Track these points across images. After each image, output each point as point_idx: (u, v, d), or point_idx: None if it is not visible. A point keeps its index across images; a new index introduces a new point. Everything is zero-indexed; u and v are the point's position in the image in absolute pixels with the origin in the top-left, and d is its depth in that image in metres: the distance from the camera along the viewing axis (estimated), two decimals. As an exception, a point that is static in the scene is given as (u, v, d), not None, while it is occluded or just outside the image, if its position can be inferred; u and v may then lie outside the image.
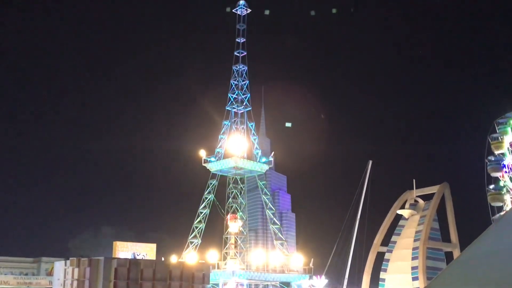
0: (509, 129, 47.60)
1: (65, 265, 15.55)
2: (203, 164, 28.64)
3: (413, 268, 35.48)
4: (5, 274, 56.73)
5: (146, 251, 44.82)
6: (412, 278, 35.29)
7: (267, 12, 46.06)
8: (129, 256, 37.74)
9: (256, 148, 29.73)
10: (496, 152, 47.52)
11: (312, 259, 31.24)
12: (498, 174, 46.54)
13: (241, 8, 32.77)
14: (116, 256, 33.57)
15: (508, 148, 47.26)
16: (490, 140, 48.12)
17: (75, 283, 14.87)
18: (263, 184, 29.62)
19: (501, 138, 47.58)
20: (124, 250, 44.09)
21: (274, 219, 29.22)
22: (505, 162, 46.60)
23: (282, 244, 28.53)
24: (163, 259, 25.09)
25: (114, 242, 45.93)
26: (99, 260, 14.48)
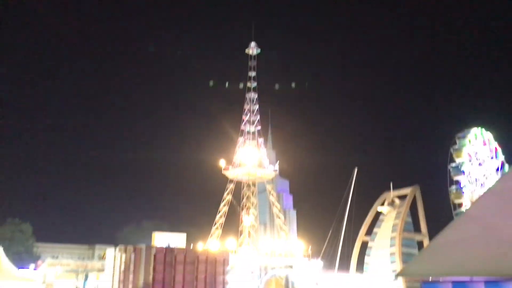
0: (467, 141, 47.21)
1: (115, 251, 15.58)
2: (223, 172, 28.70)
3: (391, 254, 35.12)
4: (66, 258, 56.64)
5: (178, 239, 44.82)
6: (391, 262, 34.92)
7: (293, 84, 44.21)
8: (165, 245, 37.73)
9: (265, 158, 29.68)
10: (457, 160, 47.05)
11: (310, 247, 30.99)
12: (459, 178, 46.11)
13: (252, 48, 32.96)
14: (154, 244, 33.56)
15: (466, 157, 46.79)
16: (452, 151, 47.71)
17: (123, 266, 14.90)
18: (270, 187, 29.56)
19: (460, 149, 47.26)
20: (161, 239, 44.08)
21: (279, 214, 29.11)
22: (464, 169, 46.19)
23: (286, 235, 28.33)
24: (191, 246, 25.04)
25: (153, 233, 45.97)
26: (142, 248, 14.53)
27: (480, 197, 7.22)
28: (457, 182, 46.20)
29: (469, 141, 46.92)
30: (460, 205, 45.86)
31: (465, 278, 6.25)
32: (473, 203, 6.25)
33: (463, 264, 6.33)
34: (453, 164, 46.72)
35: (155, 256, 14.01)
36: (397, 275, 7.49)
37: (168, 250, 14.54)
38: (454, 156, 47.05)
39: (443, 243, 6.80)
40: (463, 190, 45.04)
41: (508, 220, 6.08)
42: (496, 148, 47.47)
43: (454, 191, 46.10)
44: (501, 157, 46.92)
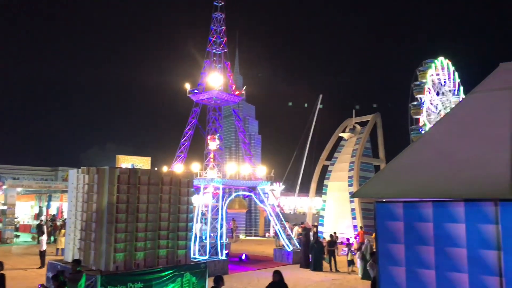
0: (433, 66, 47.97)
1: (78, 172, 15.47)
2: (188, 95, 28.22)
3: (349, 177, 36.63)
4: (28, 180, 56.27)
5: (142, 163, 45.04)
6: (348, 184, 36.54)
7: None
8: (129, 167, 37.91)
9: (231, 82, 29.26)
10: (417, 96, 48.06)
11: (273, 170, 31.81)
12: (418, 116, 47.53)
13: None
14: (119, 166, 33.62)
15: (430, 79, 47.74)
16: (417, 72, 48.63)
17: (86, 187, 14.89)
18: (236, 112, 29.53)
19: (425, 71, 48.00)
20: (125, 162, 44.17)
21: (245, 139, 29.37)
22: (426, 87, 47.29)
23: (250, 159, 28.88)
24: (156, 169, 25.18)
25: (117, 156, 45.91)
26: (105, 168, 14.44)
27: (436, 123, 7.45)
28: (418, 100, 47.74)
29: (431, 74, 47.82)
30: (417, 120, 47.68)
31: (416, 199, 6.59)
32: (429, 130, 6.51)
33: (414, 187, 6.64)
34: (417, 82, 47.92)
35: (119, 177, 13.99)
36: (352, 196, 7.85)
37: (132, 171, 14.54)
38: (414, 93, 48.12)
39: (397, 166, 7.06)
40: (422, 106, 46.79)
41: (461, 145, 6.33)
42: (458, 84, 48.72)
43: (413, 106, 47.65)
44: (462, 94, 48.30)
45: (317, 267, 21.93)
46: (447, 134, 6.75)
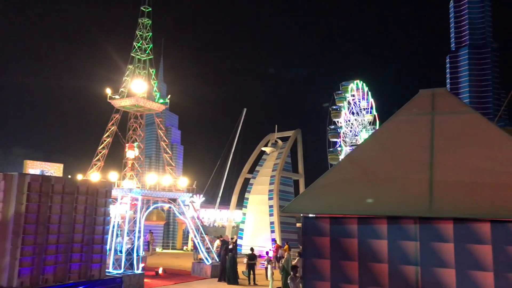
0: (349, 89, 50.73)
1: (-20, 178, 13.98)
2: (108, 100, 27.01)
3: (270, 190, 37.27)
4: None
5: (53, 169, 42.06)
6: (269, 197, 37.15)
7: None
8: (39, 173, 35.21)
9: (155, 90, 28.56)
10: (335, 120, 50.56)
11: (195, 182, 31.41)
12: (337, 119, 50.03)
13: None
14: (28, 173, 31.06)
15: (346, 102, 50.43)
16: (334, 95, 51.14)
17: (-11, 194, 13.50)
18: (159, 120, 28.81)
19: (342, 95, 50.61)
20: (34, 168, 40.95)
21: (167, 149, 28.70)
22: (343, 111, 49.92)
23: (172, 169, 28.25)
24: (69, 176, 23.65)
25: (25, 161, 42.40)
26: (13, 175, 13.23)
27: (361, 144, 7.81)
28: (335, 123, 50.19)
29: (351, 89, 50.67)
30: (334, 144, 50.18)
31: (342, 215, 6.78)
32: (354, 149, 6.85)
33: (341, 203, 6.83)
34: (334, 107, 50.46)
35: (29, 184, 12.88)
36: (283, 210, 7.94)
37: (45, 179, 13.48)
38: (332, 116, 50.62)
39: (325, 183, 7.26)
40: (339, 130, 49.32)
41: (384, 165, 6.65)
42: (371, 103, 52.00)
43: (331, 130, 50.13)
44: (374, 112, 51.59)
45: (232, 280, 21.90)
46: (371, 154, 7.10)
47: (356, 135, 50.57)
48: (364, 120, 51.62)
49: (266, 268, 22.21)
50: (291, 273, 13.18)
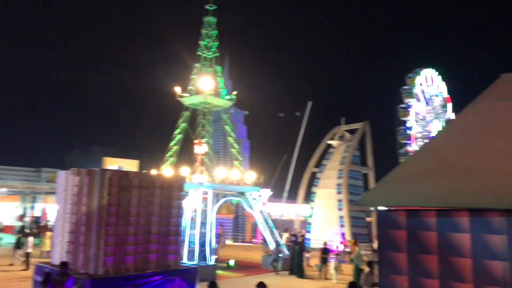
0: (417, 82, 48.61)
1: (67, 173, 15.17)
2: (178, 99, 28.05)
3: (338, 184, 36.75)
4: (12, 181, 55.08)
5: (130, 165, 44.42)
6: (337, 191, 36.66)
7: None
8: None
9: (222, 87, 29.20)
10: (406, 100, 48.67)
11: (262, 176, 31.69)
12: (406, 118, 48.12)
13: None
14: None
15: (415, 97, 48.37)
16: (402, 91, 49.25)
17: (75, 188, 14.60)
18: (226, 116, 29.46)
19: (410, 90, 48.73)
20: (112, 164, 43.53)
21: (234, 144, 29.29)
22: (412, 110, 47.92)
23: (239, 163, 28.78)
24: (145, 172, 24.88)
25: (103, 158, 45.22)
26: (96, 170, 14.18)
27: (439, 132, 7.45)
28: (404, 123, 48.31)
29: (420, 82, 48.45)
30: (405, 144, 48.41)
31: (419, 208, 6.55)
32: (432, 139, 6.52)
33: (418, 195, 6.60)
34: (405, 87, 48.64)
35: (109, 179, 13.75)
36: (356, 203, 7.84)
37: (124, 174, 14.31)
38: (403, 96, 48.69)
39: (401, 174, 7.03)
40: (410, 131, 47.29)
41: (465, 155, 6.32)
42: (443, 87, 49.41)
43: (400, 131, 48.43)
44: (446, 95, 48.97)
45: (297, 274, 21.94)
46: (451, 143, 6.76)
47: (428, 126, 48.22)
48: (436, 107, 49.10)
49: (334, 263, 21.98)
50: (364, 268, 12.91)
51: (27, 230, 27.17)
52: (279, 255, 23.93)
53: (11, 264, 22.75)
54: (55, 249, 15.22)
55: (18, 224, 40.69)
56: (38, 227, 34.74)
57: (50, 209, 40.73)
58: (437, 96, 49.32)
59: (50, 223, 31.80)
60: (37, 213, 46.06)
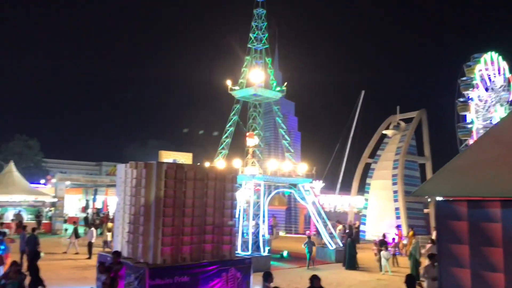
0: (482, 60, 45.60)
1: (126, 167, 15.81)
2: (229, 92, 28.34)
3: (393, 175, 35.77)
4: (75, 174, 58.21)
5: (184, 158, 45.66)
6: (392, 182, 35.70)
7: None
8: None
9: (272, 79, 29.17)
10: (464, 93, 45.89)
11: (314, 167, 31.49)
12: (466, 113, 45.42)
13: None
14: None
15: (478, 74, 45.31)
16: (459, 83, 46.51)
17: (134, 181, 15.19)
18: (276, 108, 29.40)
19: (473, 67, 45.53)
20: (167, 157, 44.93)
21: (285, 135, 29.22)
22: (474, 83, 44.86)
23: (290, 155, 28.73)
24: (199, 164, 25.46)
25: (159, 151, 46.78)
26: (153, 163, 14.68)
27: (502, 119, 7.04)
28: (464, 117, 45.60)
29: (479, 69, 45.45)
30: (463, 118, 45.45)
31: (482, 198, 6.27)
32: (495, 125, 6.12)
33: (480, 184, 6.30)
34: (464, 78, 45.72)
35: (166, 171, 14.19)
36: (413, 194, 7.56)
37: (179, 166, 14.72)
38: (461, 88, 45.97)
39: (461, 164, 6.73)
40: (471, 125, 44.45)
41: (533, 142, 5.95)
42: (509, 79, 46.24)
43: (460, 103, 45.49)
44: (509, 75, 45.73)
45: (349, 266, 21.67)
46: (517, 129, 6.38)
47: (490, 113, 45.34)
48: (497, 90, 46.02)
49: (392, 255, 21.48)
50: (425, 260, 12.50)
51: (92, 221, 28.71)
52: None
53: (76, 253, 24.17)
54: (116, 239, 15.97)
55: (81, 215, 43.05)
56: (100, 218, 36.59)
57: (110, 201, 42.78)
58: (502, 87, 46.07)
59: (111, 214, 33.39)
60: (98, 204, 48.56)
